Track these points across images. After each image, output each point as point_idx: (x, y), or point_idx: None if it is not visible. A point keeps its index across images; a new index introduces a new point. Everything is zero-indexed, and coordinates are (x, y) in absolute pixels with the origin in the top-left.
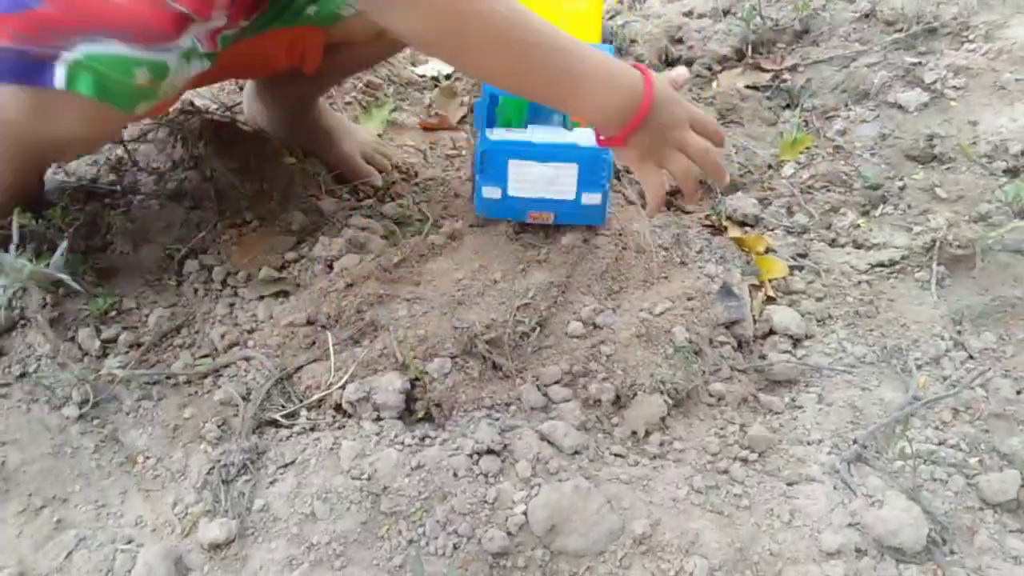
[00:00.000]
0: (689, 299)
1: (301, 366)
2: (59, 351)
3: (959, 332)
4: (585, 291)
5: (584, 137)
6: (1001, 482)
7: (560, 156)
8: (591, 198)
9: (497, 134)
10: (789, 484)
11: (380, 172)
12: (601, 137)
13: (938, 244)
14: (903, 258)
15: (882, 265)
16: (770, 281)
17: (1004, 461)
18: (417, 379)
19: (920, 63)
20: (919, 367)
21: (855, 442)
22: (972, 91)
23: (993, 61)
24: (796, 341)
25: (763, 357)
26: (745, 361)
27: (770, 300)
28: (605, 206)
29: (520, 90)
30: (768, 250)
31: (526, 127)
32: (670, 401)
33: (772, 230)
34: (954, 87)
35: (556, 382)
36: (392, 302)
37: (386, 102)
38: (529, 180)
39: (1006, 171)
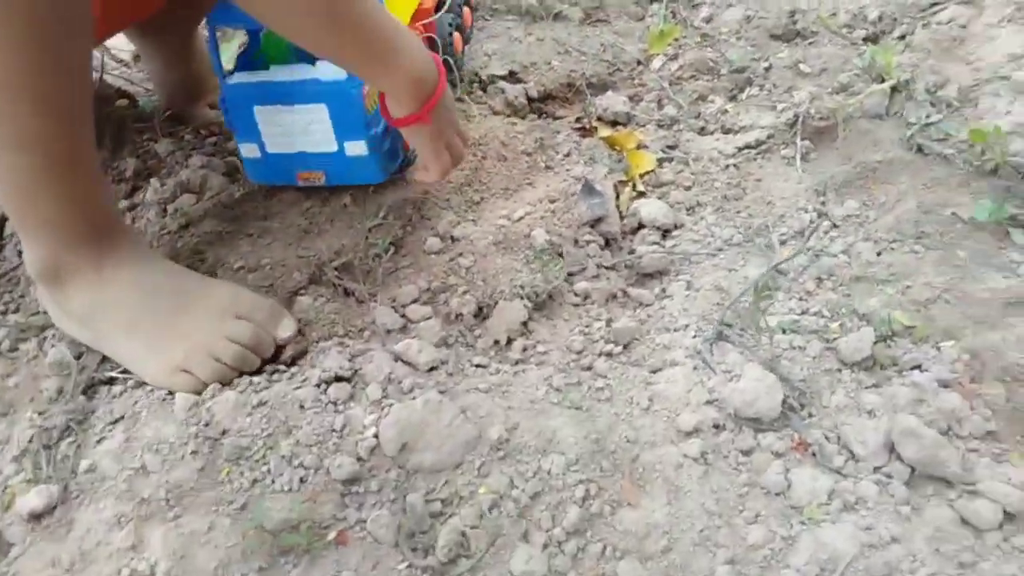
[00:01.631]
0: (552, 202)
1: None
2: None
3: (823, 203)
4: (444, 205)
5: (329, 70)
6: (858, 340)
7: (303, 95)
8: (355, 147)
9: (238, 77)
10: (652, 372)
11: None
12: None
13: (801, 119)
14: (769, 137)
15: (749, 147)
16: (641, 176)
17: (863, 322)
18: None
19: None
20: (783, 242)
21: (719, 322)
22: None
23: None
24: (665, 232)
25: (632, 252)
26: (613, 257)
27: (640, 195)
28: (380, 157)
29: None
30: (640, 146)
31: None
32: (530, 305)
33: (643, 126)
34: None
35: (414, 301)
36: (234, 239)
37: (234, 36)
38: (283, 131)
39: (865, 39)
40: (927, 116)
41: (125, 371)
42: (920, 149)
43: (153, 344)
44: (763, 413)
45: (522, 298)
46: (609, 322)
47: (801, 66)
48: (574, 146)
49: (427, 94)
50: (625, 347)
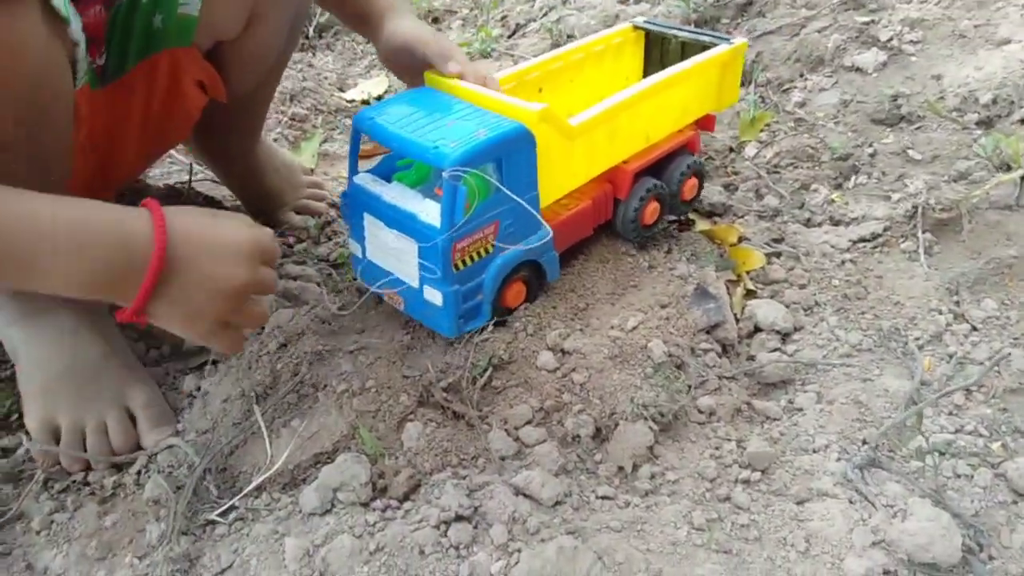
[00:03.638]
0: (663, 307)
1: (236, 448)
2: None
3: (957, 303)
4: (551, 315)
5: (433, 210)
6: None
7: (400, 224)
8: (432, 295)
9: (361, 178)
10: (799, 503)
11: (316, 216)
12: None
13: (920, 210)
14: (885, 230)
15: (864, 240)
16: (748, 273)
17: None
18: (375, 456)
19: (873, 21)
20: (921, 347)
21: (864, 443)
22: (931, 43)
23: (947, 10)
24: (785, 336)
25: (751, 358)
26: (733, 367)
27: (751, 294)
28: (455, 314)
29: None
30: (741, 239)
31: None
32: (656, 427)
33: (742, 217)
34: (911, 41)
35: (528, 422)
36: (334, 357)
37: (315, 133)
38: (380, 245)
39: (979, 123)
40: None
41: (223, 511)
42: None
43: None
44: (941, 559)
45: (646, 419)
46: (740, 443)
47: (910, 152)
48: (673, 242)
49: (121, 285)
50: (763, 472)
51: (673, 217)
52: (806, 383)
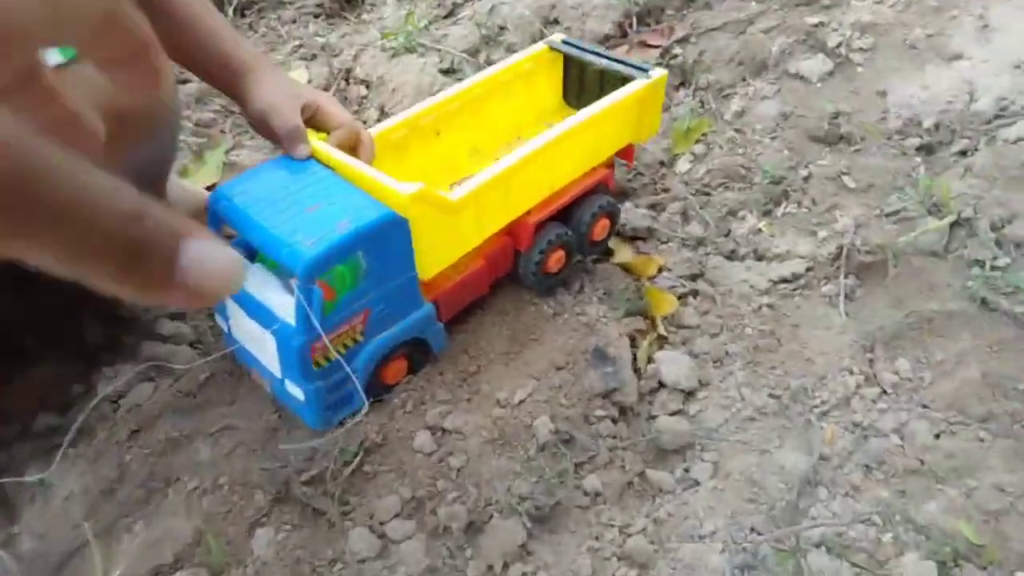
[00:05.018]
0: (558, 369)
1: (70, 557)
2: None
3: (871, 361)
4: (435, 383)
5: (288, 304)
6: (915, 570)
7: (258, 314)
8: (295, 389)
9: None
10: None
11: None
12: None
13: (845, 252)
14: (808, 270)
15: (785, 281)
16: (662, 316)
17: (920, 535)
18: (221, 567)
19: (822, 23)
20: (826, 414)
21: (752, 531)
22: (880, 52)
23: (902, 14)
24: (689, 394)
25: (652, 418)
26: (629, 432)
27: (662, 340)
28: (320, 408)
29: None
30: (661, 270)
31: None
32: (529, 523)
33: (666, 242)
34: (860, 49)
35: (396, 515)
36: (192, 443)
37: (221, 141)
38: (244, 328)
39: (919, 148)
40: (993, 258)
41: None
42: (984, 302)
43: None
44: None
45: (520, 514)
46: (624, 530)
47: (845, 178)
48: (586, 278)
49: None
50: (642, 568)
51: (581, 258)
52: (705, 449)
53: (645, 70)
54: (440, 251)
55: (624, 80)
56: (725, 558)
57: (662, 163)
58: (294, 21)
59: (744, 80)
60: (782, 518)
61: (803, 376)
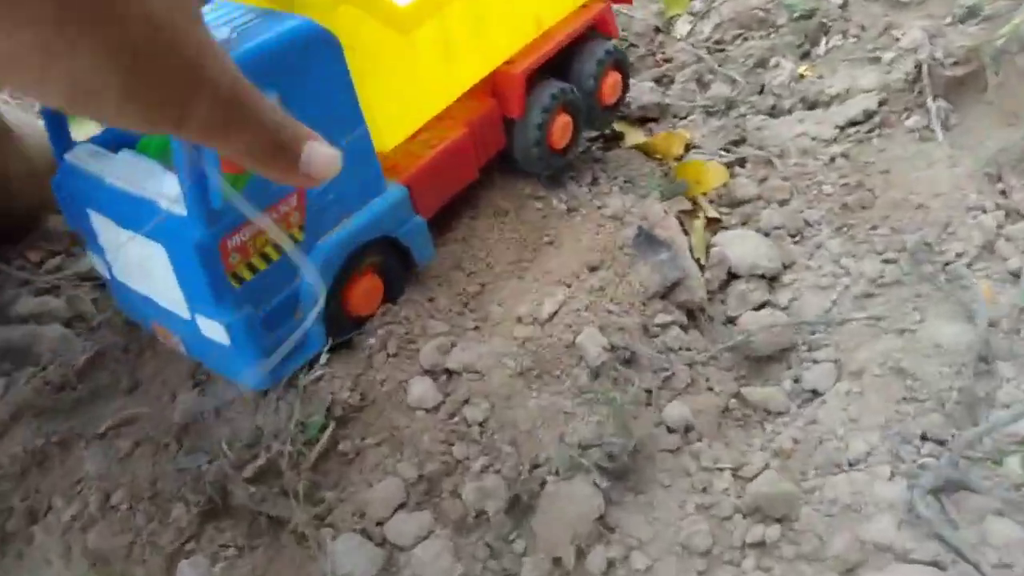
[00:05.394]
0: (592, 270)
1: None
2: None
3: (1003, 192)
4: (426, 311)
5: (174, 189)
6: None
7: (136, 218)
8: (210, 328)
9: (77, 153)
10: (849, 571)
11: None
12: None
13: (926, 68)
14: (881, 104)
15: (855, 123)
16: (707, 196)
17: None
18: None
19: None
20: (969, 266)
21: (924, 438)
22: None
23: None
24: (772, 280)
25: (731, 321)
26: (706, 341)
27: (714, 224)
28: (255, 351)
29: None
30: (690, 148)
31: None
32: (605, 481)
33: (686, 117)
34: None
35: (399, 507)
36: (71, 451)
37: None
38: (124, 257)
39: None
40: None
41: None
42: None
43: None
44: None
45: (588, 471)
46: (737, 472)
47: None
48: (598, 167)
49: None
50: (781, 523)
51: (594, 133)
52: (815, 347)
53: None
54: (399, 104)
55: None
56: (901, 486)
57: (657, 29)
58: None
59: None
60: (962, 414)
61: (920, 228)
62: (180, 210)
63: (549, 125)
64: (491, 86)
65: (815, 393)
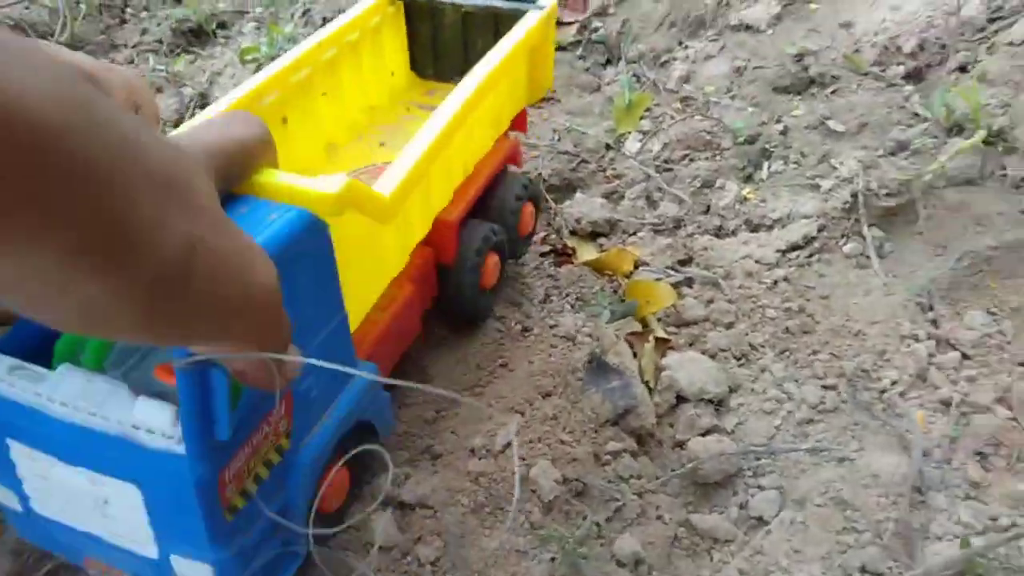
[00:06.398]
0: (545, 396)
1: None
2: None
3: (934, 321)
4: (391, 445)
5: (164, 414)
6: None
7: (95, 455)
8: (191, 569)
9: None
10: None
11: None
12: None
13: (861, 198)
14: (820, 230)
15: (796, 248)
16: (656, 315)
17: None
18: None
19: None
20: (903, 395)
21: (865, 572)
22: None
23: None
24: (718, 404)
25: (680, 446)
26: (657, 468)
27: (663, 344)
28: None
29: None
30: (639, 265)
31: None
32: None
33: (635, 234)
34: None
35: None
36: None
37: None
38: (61, 493)
39: (907, 76)
40: None
41: None
42: None
43: None
44: None
45: None
46: None
47: (830, 123)
48: (550, 283)
49: None
50: None
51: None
52: (760, 474)
53: (532, 0)
54: (365, 281)
55: (497, 23)
56: None
57: (608, 146)
58: (131, 61)
59: (681, 44)
60: (898, 546)
61: (857, 355)
62: (175, 446)
63: (481, 267)
64: (427, 236)
65: (761, 520)
